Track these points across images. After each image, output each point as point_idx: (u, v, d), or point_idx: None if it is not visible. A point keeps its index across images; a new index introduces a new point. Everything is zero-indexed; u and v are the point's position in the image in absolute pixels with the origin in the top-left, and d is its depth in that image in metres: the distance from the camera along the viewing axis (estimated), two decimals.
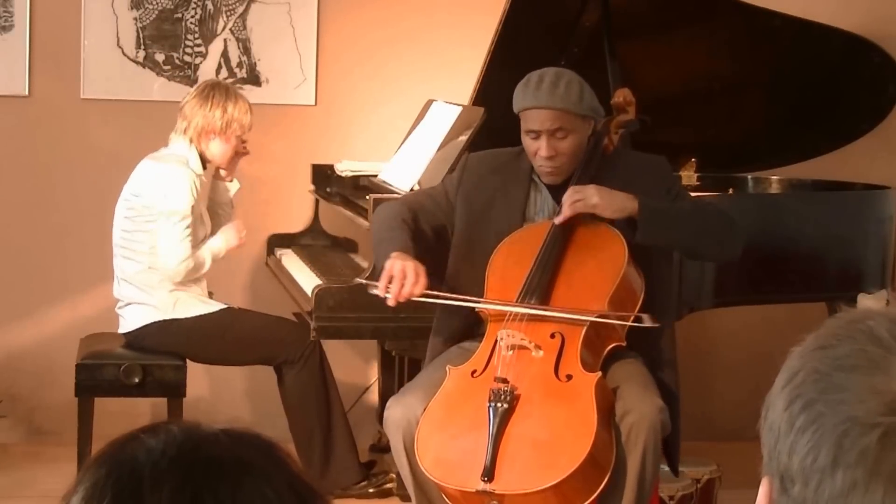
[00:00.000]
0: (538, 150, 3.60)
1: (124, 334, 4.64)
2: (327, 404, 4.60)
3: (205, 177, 4.60)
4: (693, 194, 4.42)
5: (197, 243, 4.54)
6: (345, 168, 5.07)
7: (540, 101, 3.57)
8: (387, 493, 4.64)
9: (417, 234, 3.66)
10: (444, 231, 3.77)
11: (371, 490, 4.66)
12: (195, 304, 4.56)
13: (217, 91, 4.61)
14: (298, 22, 5.43)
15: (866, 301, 4.46)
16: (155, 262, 4.51)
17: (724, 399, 5.60)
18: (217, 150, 4.60)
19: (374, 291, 3.46)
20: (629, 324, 3.48)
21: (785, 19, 4.91)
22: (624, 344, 3.52)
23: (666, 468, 3.82)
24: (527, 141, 3.64)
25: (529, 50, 4.54)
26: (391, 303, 3.43)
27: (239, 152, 4.66)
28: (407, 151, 4.74)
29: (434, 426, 3.34)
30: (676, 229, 3.59)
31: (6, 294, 5.30)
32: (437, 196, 3.81)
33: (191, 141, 4.57)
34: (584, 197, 3.52)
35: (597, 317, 3.44)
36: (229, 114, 4.56)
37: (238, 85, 5.40)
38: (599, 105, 3.70)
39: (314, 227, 5.20)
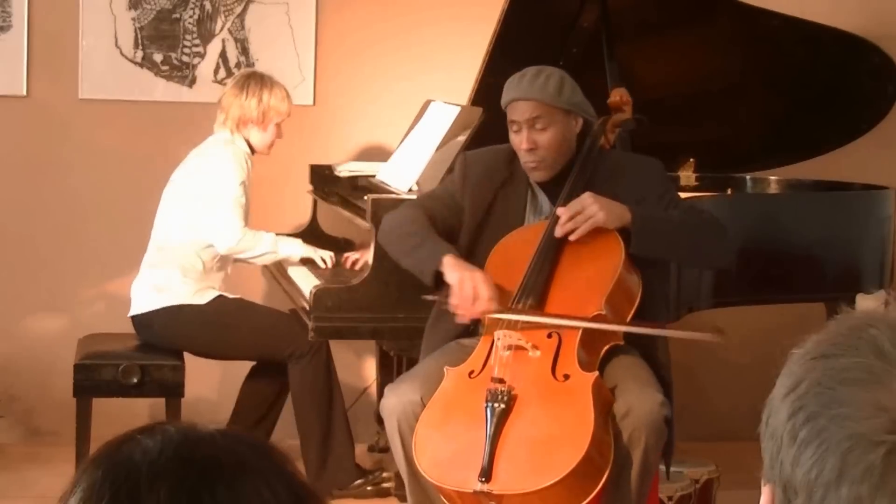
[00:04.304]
0: (521, 143, 3.65)
1: (132, 317, 4.64)
2: (329, 403, 4.60)
3: (250, 161, 4.65)
4: (692, 195, 4.42)
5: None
6: (343, 168, 5.07)
7: (518, 93, 3.64)
8: (385, 493, 4.64)
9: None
10: (455, 233, 3.75)
11: (369, 489, 4.66)
12: (208, 293, 4.59)
13: (252, 80, 4.70)
14: (297, 22, 5.43)
15: (865, 301, 4.46)
16: (195, 243, 4.55)
17: (722, 399, 5.60)
18: (257, 138, 4.68)
19: (450, 308, 3.47)
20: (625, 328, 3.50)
21: (784, 19, 4.91)
22: (622, 342, 3.53)
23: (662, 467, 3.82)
24: (512, 136, 3.69)
25: (528, 50, 4.53)
26: (464, 321, 3.48)
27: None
28: (405, 152, 4.74)
29: (432, 427, 3.34)
30: (668, 241, 3.60)
31: (4, 294, 5.30)
32: (445, 199, 3.79)
33: (231, 132, 4.65)
34: (587, 212, 3.50)
35: (592, 320, 3.44)
36: (265, 102, 4.65)
37: None
38: (585, 101, 3.71)
39: (312, 228, 5.19)
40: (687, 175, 5.09)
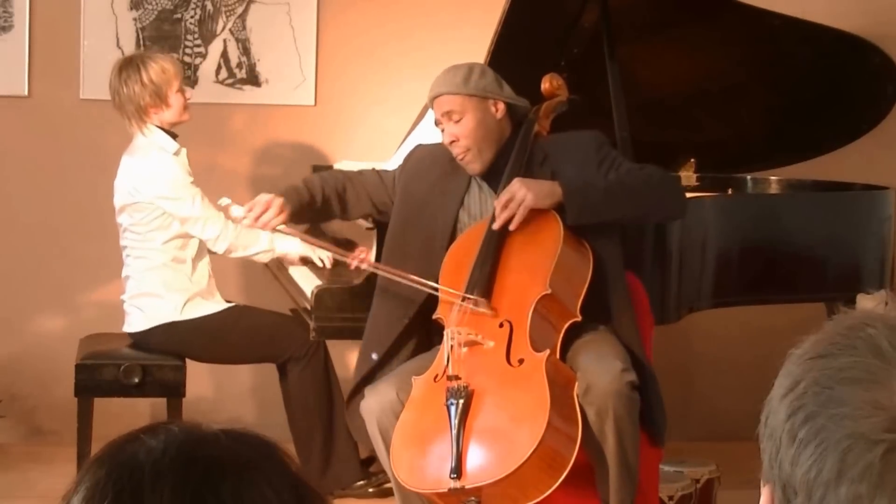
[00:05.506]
0: (445, 139, 3.74)
1: (130, 334, 4.64)
2: (329, 403, 4.60)
3: (183, 154, 4.52)
4: (692, 195, 4.42)
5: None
6: (344, 168, 5.07)
7: (431, 92, 3.78)
8: (386, 493, 4.64)
9: (330, 199, 3.89)
10: (387, 208, 3.89)
11: (371, 490, 4.67)
12: (202, 305, 4.55)
13: (125, 69, 4.52)
14: (298, 22, 5.43)
15: (865, 301, 4.47)
16: (165, 260, 4.51)
17: (723, 399, 5.60)
18: (169, 116, 4.51)
19: (236, 213, 3.77)
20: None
21: (784, 20, 4.91)
22: (579, 319, 3.54)
23: (667, 468, 3.82)
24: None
25: (529, 50, 4.55)
26: (248, 224, 3.75)
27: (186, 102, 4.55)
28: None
29: (405, 437, 3.38)
30: (607, 203, 3.62)
31: (6, 294, 5.30)
32: (385, 176, 3.95)
33: (141, 130, 4.51)
34: (517, 198, 3.55)
35: (540, 302, 3.47)
36: (148, 85, 4.47)
37: (238, 86, 5.41)
38: (495, 85, 3.76)
39: (314, 228, 5.19)
40: (687, 175, 5.09)
